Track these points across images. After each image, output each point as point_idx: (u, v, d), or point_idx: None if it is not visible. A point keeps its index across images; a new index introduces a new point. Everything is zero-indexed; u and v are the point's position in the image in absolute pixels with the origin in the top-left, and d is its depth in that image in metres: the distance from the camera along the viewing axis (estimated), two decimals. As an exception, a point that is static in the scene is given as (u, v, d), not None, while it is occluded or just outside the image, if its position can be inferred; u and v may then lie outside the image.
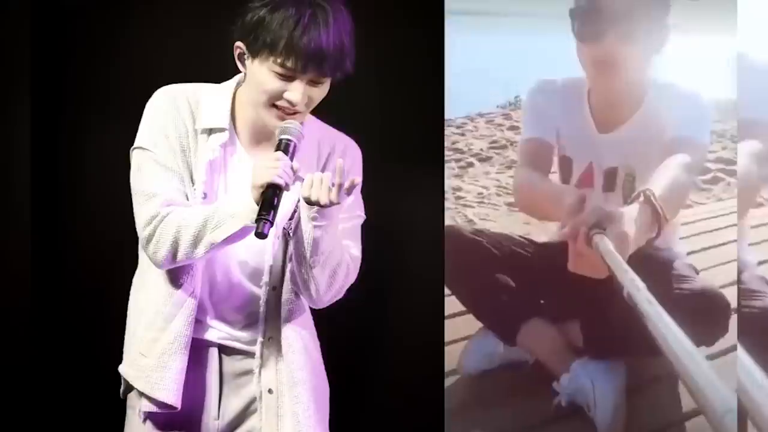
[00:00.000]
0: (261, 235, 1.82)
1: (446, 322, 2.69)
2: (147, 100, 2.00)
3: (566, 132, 2.57)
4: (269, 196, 1.84)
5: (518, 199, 2.68)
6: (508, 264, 2.65)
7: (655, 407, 2.51)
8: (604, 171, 2.54)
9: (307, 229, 1.93)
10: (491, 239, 2.66)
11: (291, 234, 1.99)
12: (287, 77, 1.90)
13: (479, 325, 2.68)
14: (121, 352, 2.08)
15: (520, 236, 2.78)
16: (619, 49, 2.28)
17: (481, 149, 5.71)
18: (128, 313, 2.09)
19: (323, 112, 2.03)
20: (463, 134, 6.02)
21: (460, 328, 2.73)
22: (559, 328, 2.61)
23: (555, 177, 2.63)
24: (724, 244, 3.57)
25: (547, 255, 2.64)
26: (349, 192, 1.91)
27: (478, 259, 2.60)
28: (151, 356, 1.98)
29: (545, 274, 2.56)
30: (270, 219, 1.82)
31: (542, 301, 2.68)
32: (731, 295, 2.41)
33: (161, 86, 2.01)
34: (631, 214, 2.04)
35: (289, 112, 1.93)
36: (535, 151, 2.55)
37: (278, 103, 1.92)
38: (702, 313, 2.32)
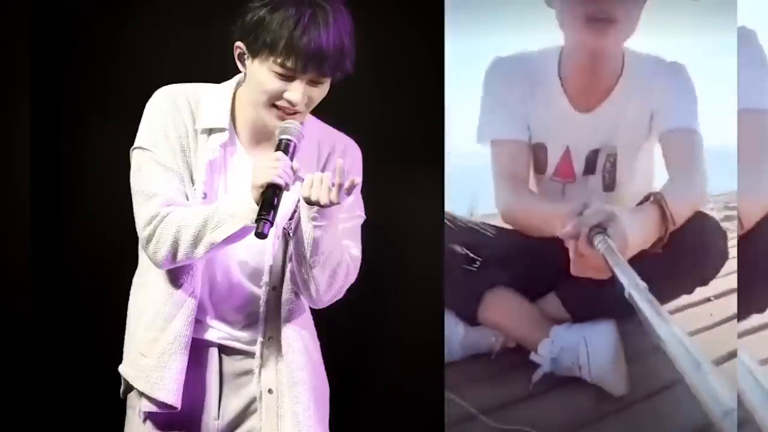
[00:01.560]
0: (261, 235, 1.82)
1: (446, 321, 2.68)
2: (147, 100, 2.00)
3: (537, 118, 2.43)
4: (269, 196, 1.84)
5: (507, 220, 2.51)
6: (465, 239, 2.47)
7: (661, 362, 2.36)
8: (585, 155, 2.44)
9: (307, 229, 1.93)
10: (446, 214, 2.50)
11: (291, 234, 1.99)
12: (287, 77, 1.89)
13: None
14: (121, 352, 2.08)
15: (480, 223, 2.60)
16: (612, 5, 2.19)
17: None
18: (128, 313, 2.09)
19: (323, 112, 2.03)
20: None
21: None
22: (530, 299, 2.43)
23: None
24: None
25: (512, 234, 2.49)
26: (349, 192, 1.91)
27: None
28: (151, 356, 1.98)
29: (510, 249, 2.42)
30: (270, 219, 1.82)
31: (507, 274, 2.46)
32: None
33: (161, 86, 2.01)
34: (634, 216, 2.02)
35: (289, 112, 1.93)
36: (510, 159, 2.42)
37: (278, 103, 1.92)
38: (697, 238, 2.21)
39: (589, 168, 2.47)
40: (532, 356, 2.35)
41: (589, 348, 2.27)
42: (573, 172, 2.49)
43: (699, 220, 2.27)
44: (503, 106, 2.44)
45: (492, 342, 2.46)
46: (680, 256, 2.20)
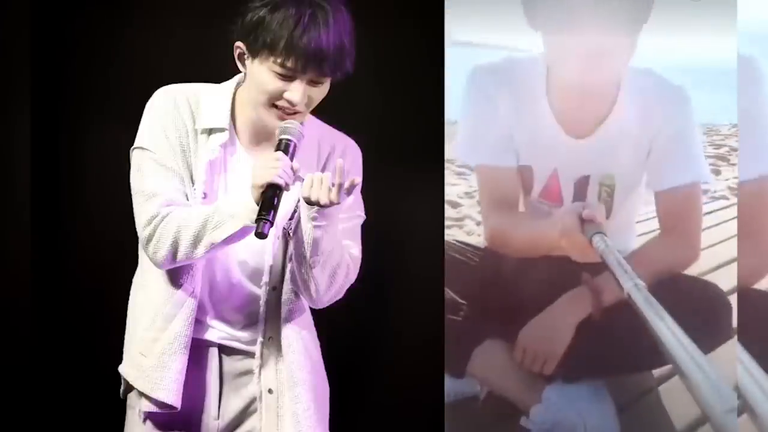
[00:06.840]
0: (261, 235, 1.82)
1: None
2: (147, 100, 2.00)
3: (524, 140, 2.32)
4: (269, 196, 1.84)
5: (493, 245, 2.41)
6: (450, 276, 2.39)
7: (646, 425, 2.32)
8: (575, 181, 2.35)
9: (307, 229, 1.93)
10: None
11: (291, 234, 1.99)
12: (287, 77, 1.90)
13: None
14: (121, 352, 2.08)
15: (460, 241, 2.52)
16: (607, 37, 2.08)
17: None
18: (128, 313, 2.09)
19: (323, 112, 2.03)
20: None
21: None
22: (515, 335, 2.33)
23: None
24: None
25: (496, 261, 2.43)
26: (349, 192, 1.91)
27: None
28: (151, 356, 1.98)
29: (496, 284, 2.36)
30: (270, 219, 1.82)
31: (496, 320, 2.37)
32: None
33: (161, 86, 2.01)
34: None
35: (289, 112, 1.93)
36: (497, 185, 2.34)
37: (278, 103, 1.92)
38: (702, 306, 2.18)
39: (579, 195, 2.34)
40: (523, 421, 2.27)
41: (587, 426, 2.21)
42: (560, 196, 2.38)
43: (704, 289, 2.24)
44: (487, 127, 2.34)
45: (477, 390, 2.41)
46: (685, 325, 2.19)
